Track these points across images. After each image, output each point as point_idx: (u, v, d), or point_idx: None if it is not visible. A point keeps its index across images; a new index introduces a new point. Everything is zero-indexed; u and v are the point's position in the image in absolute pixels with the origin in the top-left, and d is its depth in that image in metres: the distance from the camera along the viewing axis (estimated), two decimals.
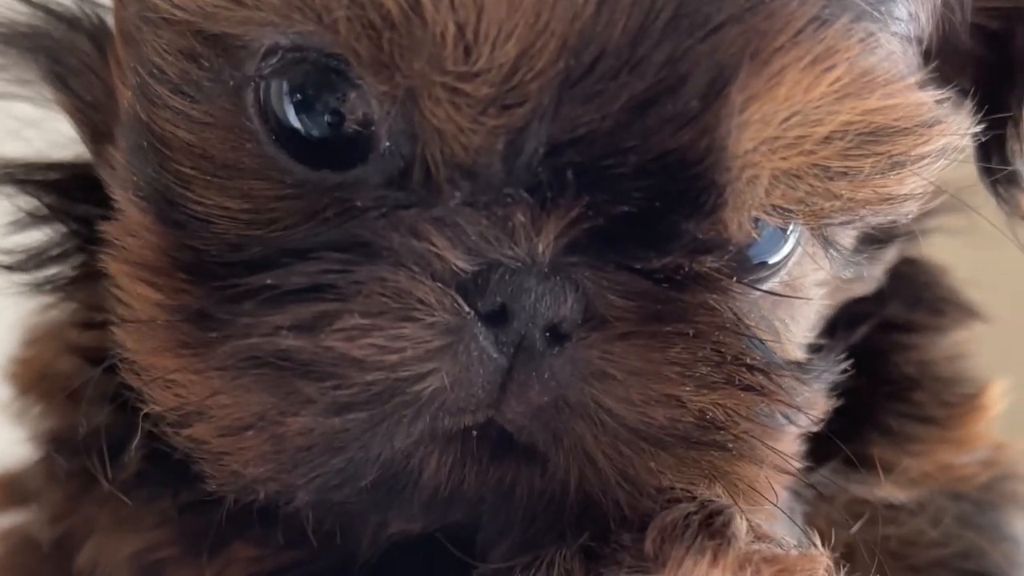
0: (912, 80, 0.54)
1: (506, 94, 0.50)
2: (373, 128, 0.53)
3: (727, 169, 0.52)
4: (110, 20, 0.63)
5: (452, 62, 0.50)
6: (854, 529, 0.66)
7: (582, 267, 0.53)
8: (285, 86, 0.54)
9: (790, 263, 0.60)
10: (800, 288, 0.62)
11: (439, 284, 0.52)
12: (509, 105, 0.50)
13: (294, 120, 0.54)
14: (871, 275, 0.69)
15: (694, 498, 0.55)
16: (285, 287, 0.52)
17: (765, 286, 0.59)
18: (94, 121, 0.62)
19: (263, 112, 0.54)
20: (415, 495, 0.55)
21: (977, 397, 0.72)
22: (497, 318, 0.52)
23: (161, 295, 0.55)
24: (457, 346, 0.52)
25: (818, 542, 0.57)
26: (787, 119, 0.51)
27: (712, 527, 0.54)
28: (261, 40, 0.53)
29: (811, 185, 0.54)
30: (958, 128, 0.56)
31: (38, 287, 0.65)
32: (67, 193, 0.65)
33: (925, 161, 0.55)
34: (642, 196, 0.52)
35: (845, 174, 0.54)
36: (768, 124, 0.51)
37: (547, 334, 0.53)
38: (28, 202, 0.65)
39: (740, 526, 0.54)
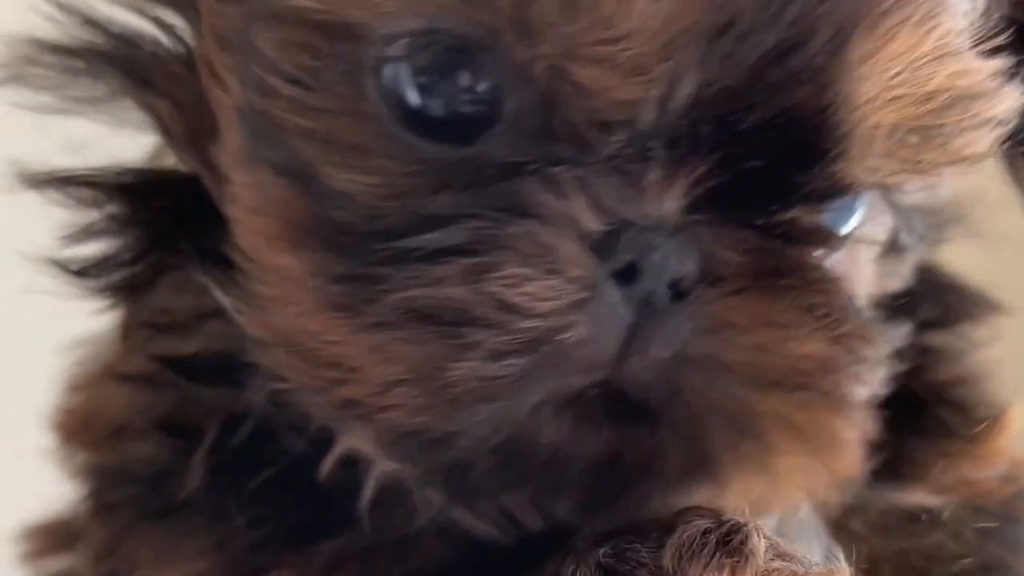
0: (990, 46, 0.58)
1: (656, 52, 0.53)
2: (501, 100, 0.55)
3: (846, 121, 0.55)
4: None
5: (605, 25, 0.53)
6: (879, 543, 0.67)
7: (704, 225, 0.55)
8: (409, 68, 0.56)
9: (860, 230, 0.63)
10: (863, 257, 0.65)
11: (577, 241, 0.54)
12: (657, 64, 0.53)
13: (418, 100, 0.56)
14: (900, 272, 0.71)
15: (715, 514, 0.57)
16: (440, 245, 0.55)
17: (841, 250, 0.62)
18: (190, 124, 0.64)
19: (385, 95, 0.56)
20: (533, 458, 0.57)
21: (998, 417, 0.73)
22: (627, 275, 0.54)
23: (306, 264, 0.57)
24: (592, 301, 0.54)
25: (842, 557, 0.58)
26: (896, 75, 0.55)
27: (730, 544, 0.55)
28: (387, 26, 0.56)
29: (908, 143, 0.57)
30: (1018, 94, 0.59)
31: (105, 292, 0.67)
32: (140, 198, 0.66)
33: (992, 126, 0.59)
34: (769, 151, 0.55)
35: (935, 134, 0.57)
36: (881, 79, 0.55)
37: (669, 291, 0.55)
38: (93, 210, 0.66)
39: (759, 543, 0.55)
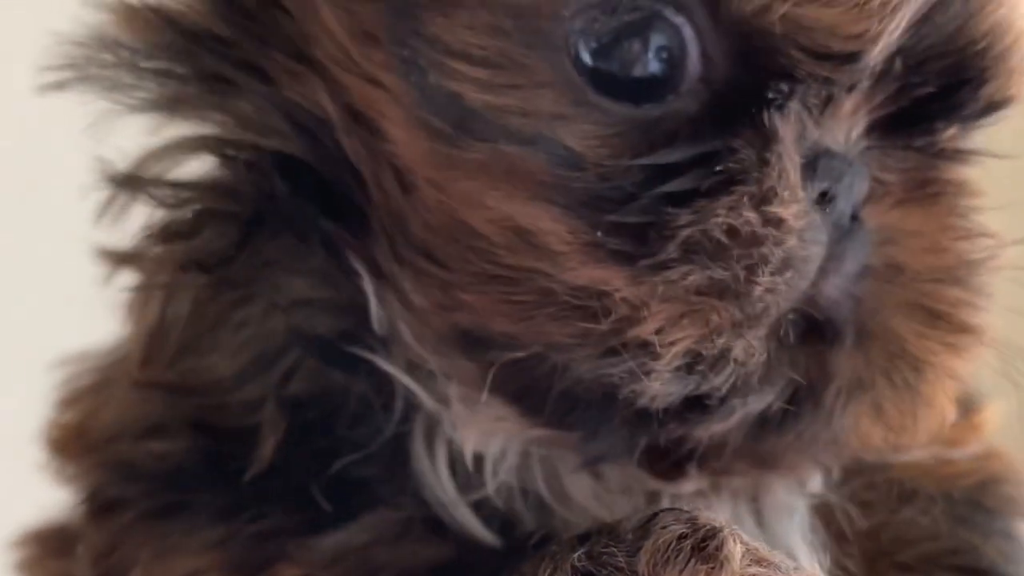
0: None
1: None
2: (686, 56, 0.58)
3: (1002, 40, 0.61)
4: None
5: None
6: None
7: (876, 149, 0.62)
8: (603, 36, 0.58)
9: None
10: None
11: (795, 170, 0.58)
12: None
13: (609, 65, 0.58)
14: None
15: (691, 519, 0.58)
16: (719, 179, 0.58)
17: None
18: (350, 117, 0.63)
19: (577, 64, 0.58)
20: (739, 389, 0.59)
21: (975, 411, 0.75)
22: (825, 201, 0.59)
23: (563, 221, 0.58)
24: (808, 226, 0.58)
25: (817, 563, 0.62)
26: None
27: (705, 550, 0.56)
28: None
29: None
30: None
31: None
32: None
33: None
34: (939, 76, 0.61)
35: None
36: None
37: (851, 211, 0.60)
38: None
39: (735, 549, 0.57)
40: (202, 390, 0.66)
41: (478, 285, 0.60)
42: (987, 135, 0.67)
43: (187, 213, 0.67)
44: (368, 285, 0.64)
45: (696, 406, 0.60)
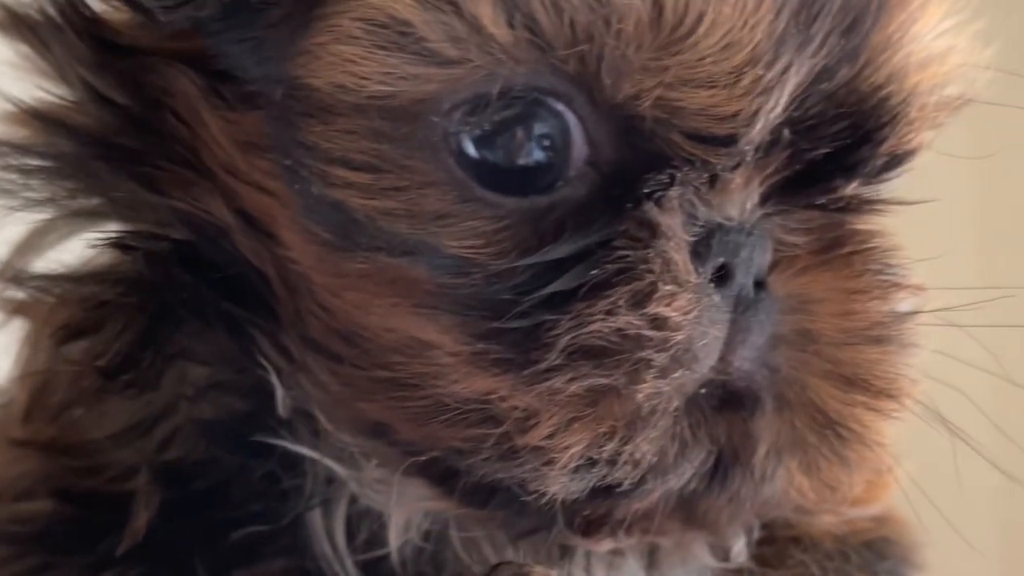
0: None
1: (757, 65, 0.57)
2: (571, 142, 0.58)
3: (900, 88, 0.61)
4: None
5: (703, 47, 0.56)
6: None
7: (774, 214, 0.61)
8: (484, 130, 0.58)
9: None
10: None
11: (685, 252, 0.58)
12: (760, 76, 0.57)
13: (492, 158, 0.58)
14: None
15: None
16: (597, 279, 0.58)
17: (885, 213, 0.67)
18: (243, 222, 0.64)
19: (460, 161, 0.58)
20: (660, 467, 0.60)
21: (888, 469, 0.77)
22: (723, 277, 0.60)
23: (446, 329, 0.59)
24: (703, 306, 0.59)
25: None
26: (926, 39, 0.61)
27: None
28: (463, 92, 0.57)
29: (932, 103, 0.63)
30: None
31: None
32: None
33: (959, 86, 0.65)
34: (834, 136, 0.60)
35: (941, 93, 0.64)
36: (918, 45, 0.61)
37: (757, 283, 0.60)
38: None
39: None
40: (78, 450, 0.66)
41: (376, 391, 0.61)
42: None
43: (84, 308, 0.67)
44: (272, 371, 0.64)
45: (608, 493, 0.60)
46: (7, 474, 0.67)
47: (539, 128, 0.58)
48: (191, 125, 0.64)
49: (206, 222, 0.64)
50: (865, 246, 0.63)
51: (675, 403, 0.58)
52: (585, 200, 0.59)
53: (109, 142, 0.65)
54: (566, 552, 0.67)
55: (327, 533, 0.65)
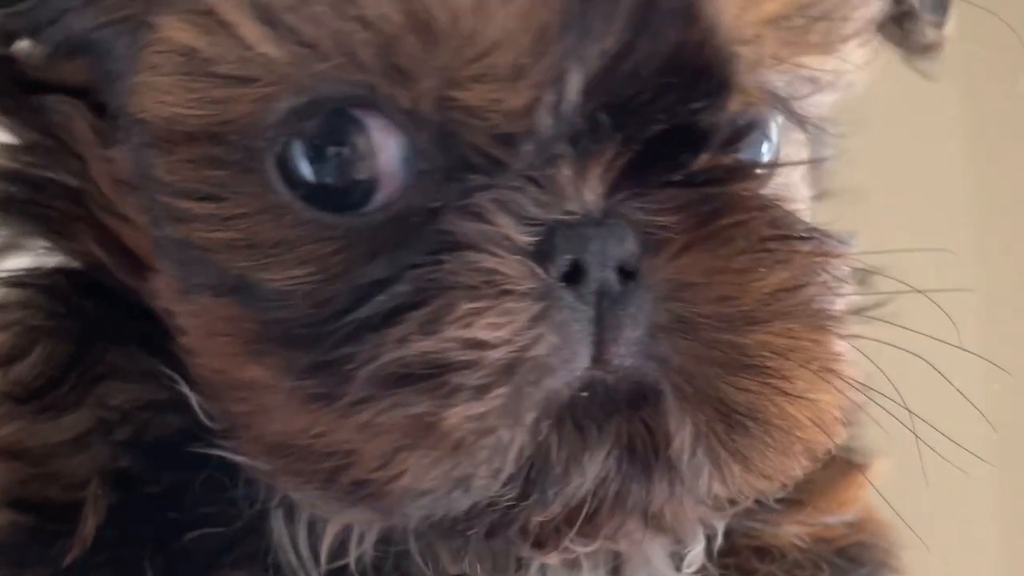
0: None
1: (532, 53, 0.54)
2: (398, 153, 0.57)
3: (728, 42, 0.56)
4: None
5: (473, 44, 0.54)
6: None
7: (630, 200, 0.57)
8: (300, 146, 0.57)
9: (783, 153, 0.65)
10: (793, 182, 0.67)
11: (517, 257, 0.56)
12: (537, 65, 0.54)
13: (316, 176, 0.57)
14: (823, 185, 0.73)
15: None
16: (389, 306, 0.56)
17: (774, 176, 0.64)
18: (123, 261, 0.65)
19: (287, 180, 0.58)
20: (546, 479, 0.58)
21: (861, 469, 0.76)
22: (574, 275, 0.56)
23: (271, 369, 0.58)
24: (550, 310, 0.56)
25: None
26: None
27: None
28: (273, 111, 0.57)
29: (790, 37, 0.59)
30: None
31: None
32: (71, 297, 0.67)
33: (865, 23, 0.61)
34: (667, 109, 0.56)
35: (810, 22, 0.59)
36: None
37: (619, 274, 0.56)
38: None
39: None
40: (34, 457, 0.65)
41: (240, 426, 0.61)
42: None
43: (14, 334, 0.66)
44: (185, 387, 0.64)
45: (491, 510, 0.58)
46: None
47: (348, 140, 0.57)
48: (84, 161, 0.65)
49: (94, 259, 0.65)
50: (747, 216, 0.59)
51: (530, 415, 0.56)
52: (405, 214, 0.57)
53: (22, 178, 0.66)
54: (520, 564, 0.65)
55: (291, 542, 0.64)
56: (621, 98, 0.56)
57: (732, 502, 0.66)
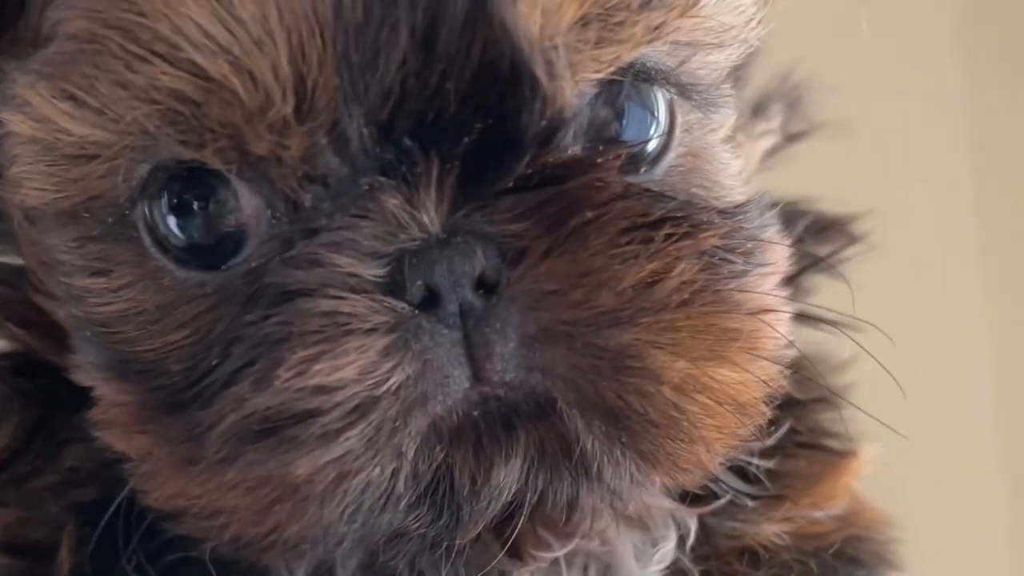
0: None
1: (301, 97, 0.55)
2: (243, 207, 0.58)
3: (525, 44, 0.55)
4: None
5: (253, 106, 0.55)
6: None
7: (471, 214, 0.56)
8: (165, 210, 0.58)
9: (676, 134, 0.63)
10: (706, 152, 0.64)
11: (362, 295, 0.55)
12: (310, 108, 0.55)
13: (187, 235, 0.59)
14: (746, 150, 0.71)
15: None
16: (234, 365, 0.56)
17: (663, 162, 0.62)
18: (52, 342, 0.67)
19: (160, 245, 0.59)
20: (456, 498, 0.57)
21: (844, 460, 0.72)
22: (428, 300, 0.55)
23: (153, 437, 0.59)
24: (407, 340, 0.55)
25: None
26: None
27: None
28: (127, 180, 0.58)
29: (601, 30, 0.57)
30: None
31: None
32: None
33: None
34: (476, 119, 0.56)
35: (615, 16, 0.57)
36: None
37: (479, 291, 0.55)
38: None
39: None
40: (20, 502, 0.66)
41: (143, 492, 0.62)
42: None
43: None
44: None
45: (411, 533, 0.59)
46: None
47: (210, 194, 0.58)
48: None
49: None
50: (598, 212, 0.57)
51: (409, 444, 0.56)
52: (259, 267, 0.58)
53: None
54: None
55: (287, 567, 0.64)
56: (423, 119, 0.55)
57: (695, 497, 0.66)
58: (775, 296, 0.62)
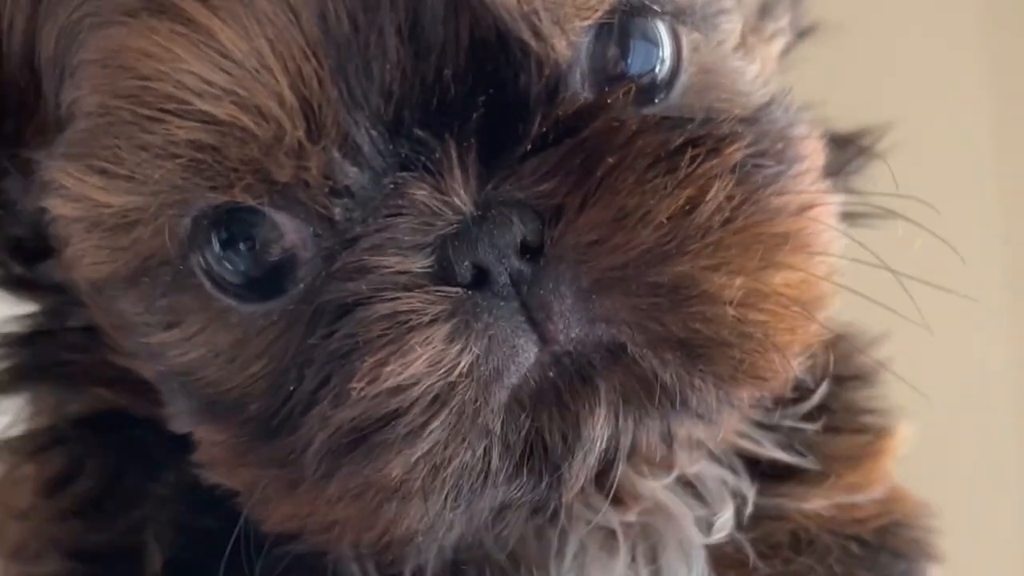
0: None
1: (315, 122, 0.56)
2: (285, 234, 0.59)
3: (507, 15, 0.56)
4: None
5: (267, 138, 0.56)
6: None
7: (499, 186, 0.57)
8: (217, 254, 0.59)
9: (684, 55, 0.62)
10: (718, 65, 0.64)
11: (416, 290, 0.56)
12: (324, 127, 0.56)
13: (241, 272, 0.60)
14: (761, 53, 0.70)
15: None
16: (311, 385, 0.58)
17: (677, 86, 0.62)
18: (139, 396, 0.68)
19: (219, 286, 0.60)
20: (553, 459, 0.58)
21: (883, 439, 0.72)
22: (478, 278, 0.56)
23: (254, 468, 0.61)
24: (467, 321, 0.56)
25: None
26: None
27: None
28: (175, 235, 0.59)
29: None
30: None
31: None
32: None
33: None
34: (477, 95, 0.56)
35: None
36: None
37: (525, 257, 0.56)
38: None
39: None
40: (86, 513, 0.68)
41: (261, 520, 0.63)
42: None
43: (67, 457, 0.69)
44: None
45: (517, 503, 0.60)
46: (16, 539, 0.69)
47: (252, 231, 0.59)
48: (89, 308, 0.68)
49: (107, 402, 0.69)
50: (621, 153, 0.57)
51: (495, 420, 0.57)
52: (312, 288, 0.59)
53: (36, 339, 0.70)
54: (561, 547, 0.67)
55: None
56: (427, 108, 0.56)
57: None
58: (815, 191, 0.62)
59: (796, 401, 0.69)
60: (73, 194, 0.60)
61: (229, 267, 0.59)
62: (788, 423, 0.69)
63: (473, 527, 0.60)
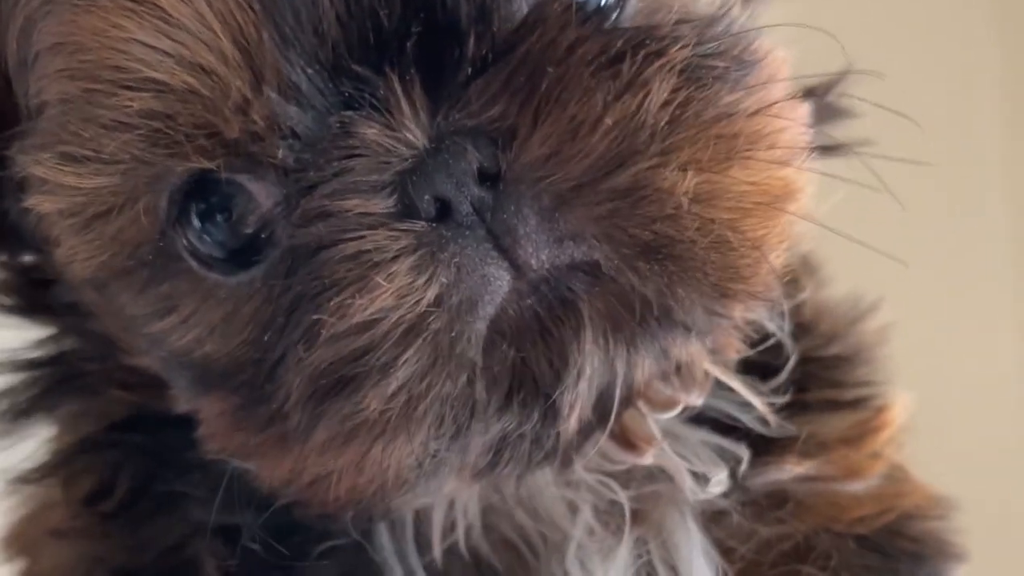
0: None
1: (256, 73, 0.56)
2: (258, 201, 0.59)
3: None
4: None
5: (216, 96, 0.56)
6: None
7: (448, 115, 0.57)
8: (196, 231, 0.60)
9: None
10: None
11: (379, 229, 0.56)
12: (264, 77, 0.56)
13: (222, 245, 0.60)
14: None
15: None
16: (286, 340, 0.58)
17: (628, 7, 0.61)
18: (155, 391, 0.69)
19: (203, 262, 0.61)
20: (542, 389, 0.58)
21: (879, 414, 0.71)
22: (441, 210, 0.56)
23: (249, 430, 0.62)
24: (433, 253, 0.56)
25: None
26: None
27: None
28: (154, 217, 0.60)
29: None
30: None
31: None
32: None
33: None
34: (409, 25, 0.56)
35: None
36: None
37: (484, 183, 0.56)
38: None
39: None
40: (123, 528, 0.69)
41: (263, 484, 0.65)
42: None
43: (102, 472, 0.70)
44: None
45: (514, 435, 0.60)
46: (60, 561, 0.71)
47: (229, 202, 0.60)
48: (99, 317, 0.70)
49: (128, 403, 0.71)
50: (562, 66, 0.57)
51: (472, 349, 0.57)
52: (287, 249, 0.59)
53: (56, 358, 0.72)
54: (562, 543, 0.68)
55: (396, 551, 0.68)
56: (364, 44, 0.56)
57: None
58: (777, 92, 0.61)
59: (777, 370, 0.69)
60: (49, 186, 0.60)
61: (210, 241, 0.60)
62: (772, 398, 0.69)
63: (469, 465, 0.60)
